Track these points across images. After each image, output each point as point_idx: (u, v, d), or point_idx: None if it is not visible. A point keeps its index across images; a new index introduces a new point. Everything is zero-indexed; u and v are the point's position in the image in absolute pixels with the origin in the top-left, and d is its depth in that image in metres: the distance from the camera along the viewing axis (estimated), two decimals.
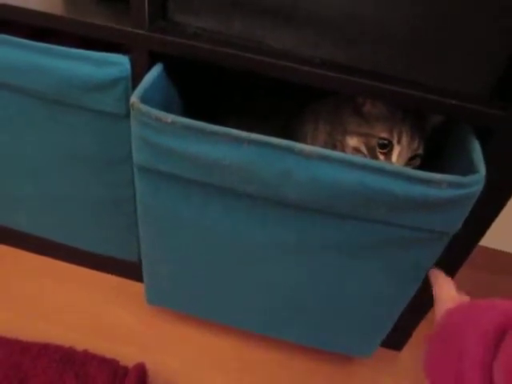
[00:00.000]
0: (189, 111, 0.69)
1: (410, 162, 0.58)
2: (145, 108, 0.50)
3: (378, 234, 0.55)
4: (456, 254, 0.63)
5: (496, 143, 0.53)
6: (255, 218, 0.58)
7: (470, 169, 0.51)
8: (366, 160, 0.50)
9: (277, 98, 0.70)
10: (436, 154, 0.61)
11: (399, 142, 0.57)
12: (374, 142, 0.57)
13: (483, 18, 0.48)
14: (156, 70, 0.56)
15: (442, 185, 0.49)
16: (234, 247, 0.62)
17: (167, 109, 0.59)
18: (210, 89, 0.75)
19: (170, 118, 0.50)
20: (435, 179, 0.49)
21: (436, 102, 0.51)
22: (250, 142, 0.50)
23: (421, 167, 0.52)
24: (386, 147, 0.57)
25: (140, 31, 0.54)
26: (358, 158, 0.50)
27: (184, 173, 0.54)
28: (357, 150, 0.59)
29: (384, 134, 0.57)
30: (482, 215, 0.58)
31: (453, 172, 0.54)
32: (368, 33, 0.51)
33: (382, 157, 0.58)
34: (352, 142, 0.59)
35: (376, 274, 0.60)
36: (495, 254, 1.04)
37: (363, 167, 0.49)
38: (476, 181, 0.49)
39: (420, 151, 0.58)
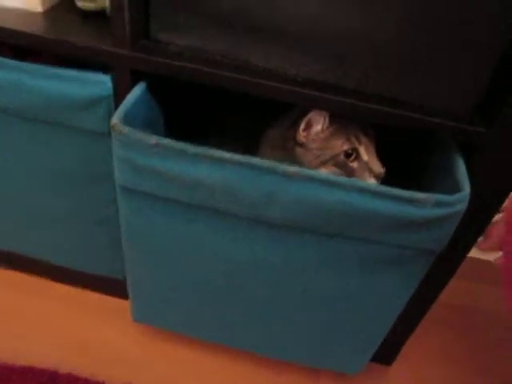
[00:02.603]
0: (173, 128, 0.69)
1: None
2: (126, 129, 0.50)
3: (363, 253, 0.55)
4: (443, 270, 0.62)
5: (480, 159, 0.53)
6: (241, 238, 0.57)
7: (454, 187, 0.51)
8: (351, 180, 0.49)
9: (261, 115, 0.70)
10: (420, 171, 0.61)
11: (360, 142, 0.58)
12: (341, 158, 0.58)
13: (465, 34, 0.48)
14: (138, 89, 0.56)
15: (427, 204, 0.49)
16: (220, 266, 0.62)
17: (150, 128, 0.58)
18: (195, 105, 0.74)
19: (152, 139, 0.49)
20: (420, 199, 0.49)
21: (419, 121, 0.51)
22: (233, 162, 0.49)
23: (405, 185, 0.51)
24: (352, 154, 0.58)
25: (122, 51, 0.53)
26: (342, 179, 0.49)
27: (168, 193, 0.54)
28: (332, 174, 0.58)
29: (346, 147, 0.57)
30: (468, 231, 0.58)
31: (437, 189, 0.54)
32: (351, 51, 0.51)
33: (354, 164, 0.58)
34: (324, 171, 0.59)
35: (364, 291, 0.60)
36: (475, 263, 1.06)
37: (348, 187, 0.49)
38: (461, 199, 0.49)
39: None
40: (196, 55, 0.54)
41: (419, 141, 0.62)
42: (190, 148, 0.49)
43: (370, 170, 0.57)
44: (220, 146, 0.64)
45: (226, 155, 0.49)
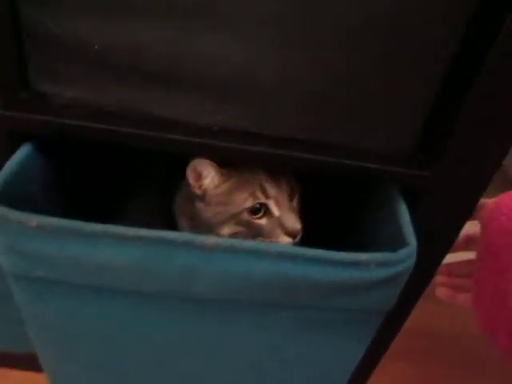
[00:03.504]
0: (89, 191, 0.59)
1: (292, 197, 0.52)
2: (1, 210, 0.40)
3: (304, 319, 0.48)
4: (391, 324, 0.56)
5: (425, 205, 0.47)
6: (165, 316, 0.48)
7: (399, 240, 0.45)
8: (281, 247, 0.42)
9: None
10: (361, 221, 0.55)
11: (267, 196, 0.49)
12: (245, 215, 0.49)
13: (400, 67, 0.42)
14: (19, 156, 0.45)
15: (370, 265, 0.42)
16: (143, 347, 0.53)
17: (45, 199, 0.49)
18: (114, 160, 0.64)
19: (34, 220, 0.40)
20: (362, 260, 0.42)
21: (353, 167, 0.45)
22: (141, 239, 0.41)
23: (346, 239, 0.45)
24: (260, 210, 0.49)
25: None
26: (271, 246, 0.42)
27: (66, 278, 0.44)
28: (235, 234, 0.50)
29: (249, 203, 0.49)
30: (415, 282, 0.52)
31: (381, 242, 0.48)
32: (272, 95, 0.44)
33: (263, 221, 0.49)
34: (225, 231, 0.50)
35: (308, 358, 0.53)
36: None
37: (278, 255, 0.41)
38: (407, 255, 0.43)
39: (293, 182, 0.52)
40: (87, 109, 0.45)
41: (356, 183, 0.56)
42: (84, 226, 0.40)
43: (283, 227, 0.49)
44: (141, 208, 0.55)
45: (130, 231, 0.40)
